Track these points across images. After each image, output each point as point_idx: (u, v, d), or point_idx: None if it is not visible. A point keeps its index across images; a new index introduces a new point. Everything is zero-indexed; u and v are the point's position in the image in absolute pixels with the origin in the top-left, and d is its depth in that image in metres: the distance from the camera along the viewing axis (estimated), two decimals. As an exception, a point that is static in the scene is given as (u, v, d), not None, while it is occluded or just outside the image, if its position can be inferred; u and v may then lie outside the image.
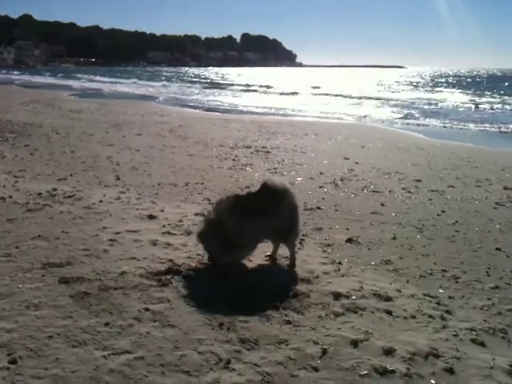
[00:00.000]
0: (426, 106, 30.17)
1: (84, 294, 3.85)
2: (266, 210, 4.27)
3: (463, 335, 3.47)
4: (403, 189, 8.11)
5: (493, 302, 4.03)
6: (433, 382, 2.92)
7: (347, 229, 5.86)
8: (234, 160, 10.15)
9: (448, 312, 3.81)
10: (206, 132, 14.39)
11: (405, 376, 2.95)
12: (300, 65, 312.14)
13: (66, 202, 6.43)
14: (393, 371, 2.98)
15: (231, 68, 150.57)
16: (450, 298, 4.10)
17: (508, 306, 3.97)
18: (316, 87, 45.70)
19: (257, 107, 26.92)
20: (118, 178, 8.02)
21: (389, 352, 3.18)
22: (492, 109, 28.94)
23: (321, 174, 9.08)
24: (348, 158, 10.76)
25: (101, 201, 6.50)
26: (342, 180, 8.58)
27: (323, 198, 7.28)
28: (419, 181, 8.74)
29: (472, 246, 5.47)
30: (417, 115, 24.01)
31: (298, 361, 3.07)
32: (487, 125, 20.11)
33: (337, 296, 3.97)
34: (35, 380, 2.80)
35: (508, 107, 29.32)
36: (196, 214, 6.05)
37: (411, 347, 3.24)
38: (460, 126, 19.60)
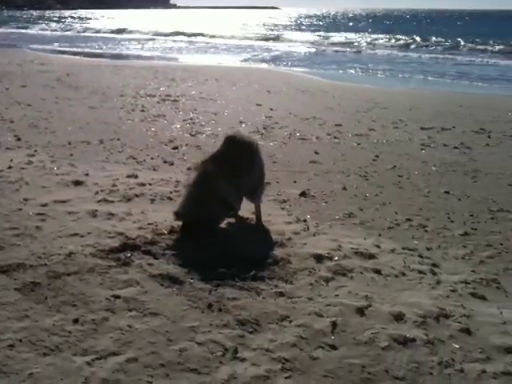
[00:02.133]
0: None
1: (32, 284, 3.16)
2: (245, 169, 3.91)
3: (461, 290, 3.34)
4: (328, 134, 7.95)
5: (471, 250, 3.98)
6: (456, 346, 2.75)
7: (294, 181, 5.57)
8: (142, 111, 9.33)
9: (434, 265, 3.68)
10: (98, 80, 13.17)
11: (427, 343, 2.74)
12: (174, 6, 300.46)
13: (-34, 170, 5.43)
14: (413, 339, 2.76)
15: (102, 10, 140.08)
16: (428, 249, 3.98)
17: (486, 253, 3.94)
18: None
19: (141, 51, 25.54)
20: (19, 139, 6.95)
21: (399, 317, 2.96)
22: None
23: (241, 122, 8.64)
24: (260, 105, 10.39)
25: (10, 167, 5.54)
26: (265, 128, 8.21)
27: (255, 149, 6.89)
28: (340, 125, 8.63)
29: (421, 190, 5.44)
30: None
31: (311, 339, 2.74)
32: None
33: (318, 258, 3.67)
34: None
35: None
36: (128, 177, 5.39)
37: (418, 309, 3.05)
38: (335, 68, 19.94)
